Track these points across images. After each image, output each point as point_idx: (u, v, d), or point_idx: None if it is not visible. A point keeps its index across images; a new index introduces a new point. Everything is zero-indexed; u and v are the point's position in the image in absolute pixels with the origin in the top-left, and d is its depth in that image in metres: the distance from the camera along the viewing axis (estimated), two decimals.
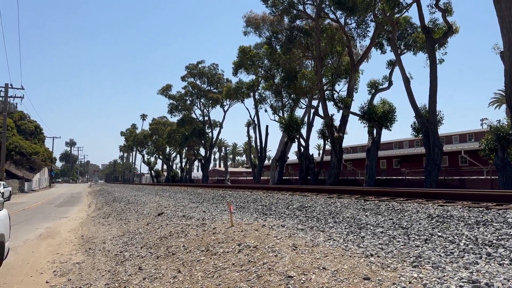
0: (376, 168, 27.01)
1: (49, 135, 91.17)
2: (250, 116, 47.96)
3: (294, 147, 42.34)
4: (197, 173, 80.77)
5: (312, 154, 35.39)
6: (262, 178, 44.77)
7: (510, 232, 5.21)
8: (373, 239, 5.58)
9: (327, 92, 31.11)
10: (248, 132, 50.21)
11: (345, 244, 5.20)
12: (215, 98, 57.57)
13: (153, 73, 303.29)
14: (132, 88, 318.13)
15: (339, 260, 4.38)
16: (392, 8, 23.34)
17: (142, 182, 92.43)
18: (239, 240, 6.01)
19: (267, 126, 73.14)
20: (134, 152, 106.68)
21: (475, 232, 5.46)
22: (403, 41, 28.94)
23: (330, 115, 30.04)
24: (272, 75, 40.87)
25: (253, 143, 50.32)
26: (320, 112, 31.87)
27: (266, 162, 51.36)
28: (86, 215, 17.49)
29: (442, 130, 25.57)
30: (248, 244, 5.65)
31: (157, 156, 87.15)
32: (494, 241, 4.86)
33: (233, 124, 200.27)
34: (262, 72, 41.96)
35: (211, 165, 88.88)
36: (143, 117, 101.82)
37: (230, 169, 68.40)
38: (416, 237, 5.49)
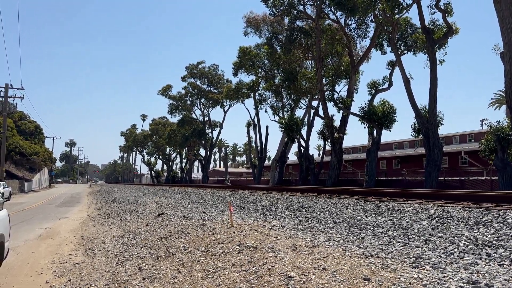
0: (376, 169, 27.01)
1: (49, 135, 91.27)
2: (250, 116, 48.00)
3: (294, 147, 42.39)
4: (197, 174, 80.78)
5: (312, 154, 35.42)
6: (262, 178, 44.77)
7: (510, 232, 5.20)
8: (373, 239, 5.58)
9: (327, 92, 31.13)
10: (248, 132, 50.20)
11: (345, 245, 5.20)
12: (215, 98, 57.59)
13: (153, 73, 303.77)
14: (132, 89, 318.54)
15: (339, 260, 4.37)
16: (392, 9, 23.35)
17: (142, 183, 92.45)
18: (239, 240, 6.01)
19: (267, 127, 73.15)
20: (134, 153, 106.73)
21: (475, 232, 5.46)
22: (403, 41, 28.96)
23: (330, 116, 30.06)
24: (272, 76, 40.88)
25: (253, 144, 50.32)
26: (320, 112, 31.89)
27: (266, 162, 51.35)
28: (86, 215, 17.49)
29: (442, 131, 25.51)
30: (248, 244, 5.65)
31: (157, 156, 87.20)
32: (494, 242, 4.85)
33: (233, 125, 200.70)
34: (262, 73, 41.97)
35: (211, 165, 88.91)
36: (143, 117, 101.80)
37: (230, 170, 68.43)
38: (416, 237, 5.49)
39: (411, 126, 24.80)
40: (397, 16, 25.62)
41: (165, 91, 62.91)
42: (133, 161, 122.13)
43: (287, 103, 41.30)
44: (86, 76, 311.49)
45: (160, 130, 77.01)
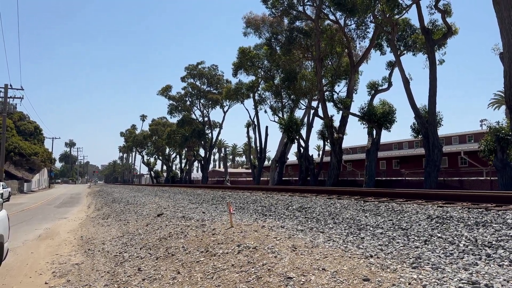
0: (375, 169, 27.02)
1: (49, 136, 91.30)
2: (250, 117, 47.98)
3: (293, 148, 42.41)
4: (196, 174, 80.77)
5: (312, 155, 35.41)
6: (261, 179, 44.76)
7: (509, 233, 5.21)
8: (373, 240, 5.57)
9: (326, 93, 31.14)
10: (247, 133, 50.15)
11: (345, 245, 5.20)
12: (214, 99, 57.61)
13: (153, 73, 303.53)
14: (131, 89, 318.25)
15: (339, 261, 4.37)
16: (391, 9, 23.36)
17: (142, 183, 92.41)
18: (239, 241, 6.00)
19: (266, 127, 73.26)
20: (133, 153, 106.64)
21: (474, 233, 5.46)
22: (403, 42, 28.99)
23: (329, 116, 30.07)
24: (272, 76, 40.89)
25: (252, 144, 50.33)
26: (320, 113, 31.91)
27: (266, 163, 51.34)
28: (85, 216, 17.47)
29: (442, 131, 25.60)
30: (247, 245, 5.64)
31: (156, 157, 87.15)
32: (493, 242, 4.86)
33: (233, 125, 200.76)
34: (262, 73, 41.99)
35: (211, 166, 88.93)
36: (143, 117, 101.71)
37: (229, 170, 68.39)
38: (415, 238, 5.49)
39: (411, 126, 24.82)
40: (397, 16, 25.65)
41: (165, 91, 62.92)
42: (133, 162, 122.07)
43: (286, 104, 41.31)
44: (85, 76, 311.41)
45: (159, 131, 76.99)
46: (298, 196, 13.28)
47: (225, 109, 58.38)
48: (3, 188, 27.94)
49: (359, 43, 33.24)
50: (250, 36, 41.07)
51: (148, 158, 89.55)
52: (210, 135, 62.26)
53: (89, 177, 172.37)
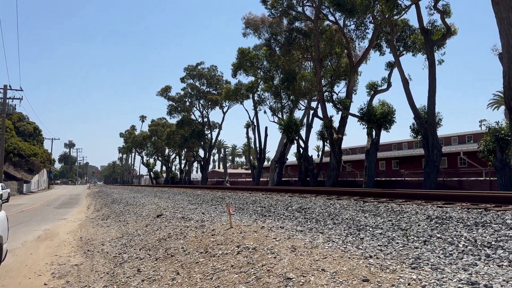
0: (375, 170, 27.02)
1: (48, 137, 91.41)
2: (249, 117, 47.98)
3: (293, 148, 42.45)
4: (196, 175, 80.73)
5: (311, 155, 35.41)
6: (261, 179, 44.75)
7: (508, 233, 5.21)
8: (372, 240, 5.57)
9: (326, 93, 31.17)
10: (247, 133, 50.16)
11: (344, 246, 5.19)
12: (214, 99, 57.62)
13: (152, 74, 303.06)
14: (131, 90, 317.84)
15: (338, 261, 4.37)
16: (391, 10, 23.39)
17: (141, 184, 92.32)
18: (238, 241, 6.00)
19: (266, 128, 72.78)
20: (133, 154, 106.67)
21: (474, 233, 5.46)
22: (402, 42, 29.01)
23: (329, 117, 30.08)
24: (271, 77, 40.91)
25: (252, 145, 50.37)
26: (319, 113, 31.91)
27: (266, 163, 51.31)
28: (85, 216, 17.45)
29: (441, 132, 25.61)
30: (247, 245, 5.64)
31: (156, 157, 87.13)
32: (493, 243, 4.86)
33: (232, 126, 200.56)
34: (261, 74, 42.00)
35: (210, 166, 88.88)
36: (142, 118, 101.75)
37: (229, 171, 68.40)
38: (415, 238, 5.49)
39: (410, 127, 24.81)
40: (396, 17, 25.68)
41: (164, 92, 62.93)
42: (132, 162, 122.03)
43: (286, 104, 41.32)
44: (85, 76, 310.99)
45: (159, 131, 76.99)
46: (297, 197, 13.28)
47: (225, 109, 58.47)
48: (2, 189, 27.92)
49: (359, 44, 33.30)
50: (250, 36, 41.11)
51: (148, 159, 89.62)
52: (209, 135, 62.32)
53: (88, 178, 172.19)
